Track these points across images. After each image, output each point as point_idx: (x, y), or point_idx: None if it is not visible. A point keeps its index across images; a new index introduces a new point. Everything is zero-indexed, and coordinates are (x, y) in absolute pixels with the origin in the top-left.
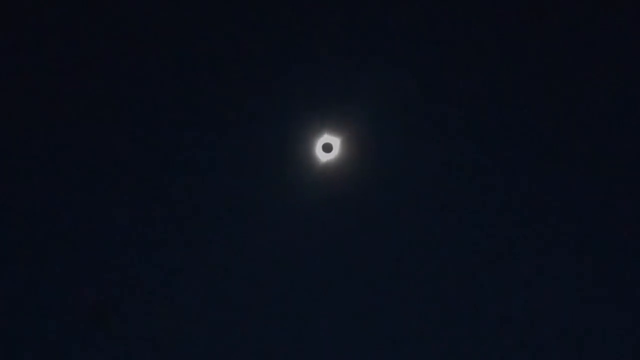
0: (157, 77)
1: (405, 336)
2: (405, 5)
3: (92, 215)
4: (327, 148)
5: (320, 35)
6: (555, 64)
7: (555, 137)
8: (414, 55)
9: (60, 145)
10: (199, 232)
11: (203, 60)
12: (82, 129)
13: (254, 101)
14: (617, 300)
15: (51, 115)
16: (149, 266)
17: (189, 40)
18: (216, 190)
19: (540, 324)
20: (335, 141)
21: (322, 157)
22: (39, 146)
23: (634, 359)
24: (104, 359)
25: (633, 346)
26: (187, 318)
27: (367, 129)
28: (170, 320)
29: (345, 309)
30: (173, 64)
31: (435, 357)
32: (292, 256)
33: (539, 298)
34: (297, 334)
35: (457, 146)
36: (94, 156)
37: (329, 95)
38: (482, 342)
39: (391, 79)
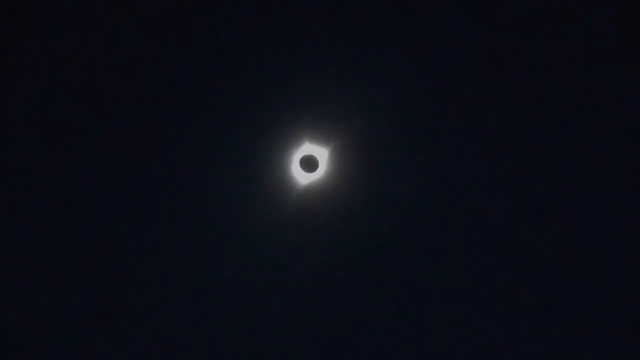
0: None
1: None
2: (402, 10)
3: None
4: (310, 164)
5: (306, 37)
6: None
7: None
8: (409, 60)
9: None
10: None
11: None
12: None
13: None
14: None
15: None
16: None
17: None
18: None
19: None
20: (321, 155)
21: (302, 176)
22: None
23: None
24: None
25: None
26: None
27: (360, 139)
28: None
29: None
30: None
31: None
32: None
33: None
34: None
35: (460, 161)
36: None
37: (312, 101)
38: None
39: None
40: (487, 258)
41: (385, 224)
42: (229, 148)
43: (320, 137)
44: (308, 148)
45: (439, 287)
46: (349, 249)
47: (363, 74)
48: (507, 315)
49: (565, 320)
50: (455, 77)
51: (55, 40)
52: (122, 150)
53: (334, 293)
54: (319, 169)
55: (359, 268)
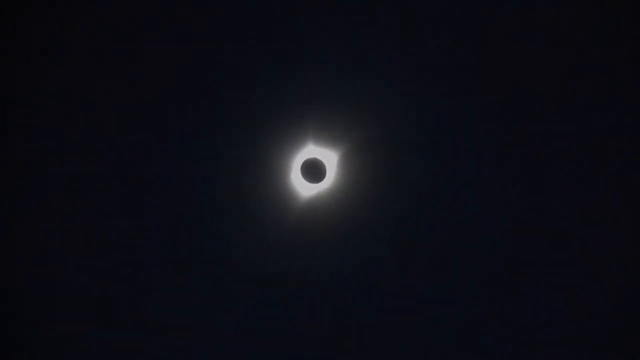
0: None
1: None
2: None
3: None
4: (314, 172)
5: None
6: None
7: None
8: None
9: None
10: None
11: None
12: None
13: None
14: None
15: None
16: None
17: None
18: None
19: None
20: (328, 160)
21: (304, 187)
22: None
23: None
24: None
25: None
26: None
27: (376, 140)
28: None
29: None
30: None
31: None
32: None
33: None
34: None
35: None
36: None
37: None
38: None
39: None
40: (504, 269)
41: (404, 243)
42: (215, 150)
43: (327, 138)
44: (312, 151)
45: (457, 307)
46: (362, 279)
47: (376, 63)
48: (515, 320)
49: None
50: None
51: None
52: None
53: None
54: (325, 177)
55: (372, 300)
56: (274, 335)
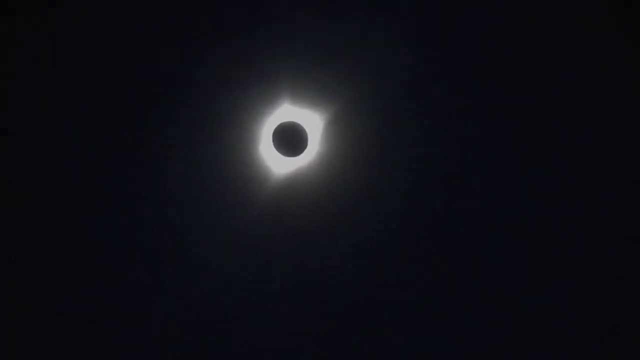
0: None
1: None
2: None
3: None
4: (292, 141)
5: None
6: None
7: None
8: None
9: None
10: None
11: None
12: None
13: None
14: None
15: None
16: None
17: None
18: None
19: None
20: (308, 127)
21: (280, 161)
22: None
23: None
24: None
25: None
26: None
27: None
28: None
29: None
30: None
31: None
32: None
33: None
34: None
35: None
36: None
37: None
38: None
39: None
40: (508, 253)
41: (406, 235)
42: (157, 111)
43: (308, 95)
44: (288, 113)
45: (452, 297)
46: (355, 286)
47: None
48: (518, 317)
49: None
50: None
51: None
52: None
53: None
54: (306, 148)
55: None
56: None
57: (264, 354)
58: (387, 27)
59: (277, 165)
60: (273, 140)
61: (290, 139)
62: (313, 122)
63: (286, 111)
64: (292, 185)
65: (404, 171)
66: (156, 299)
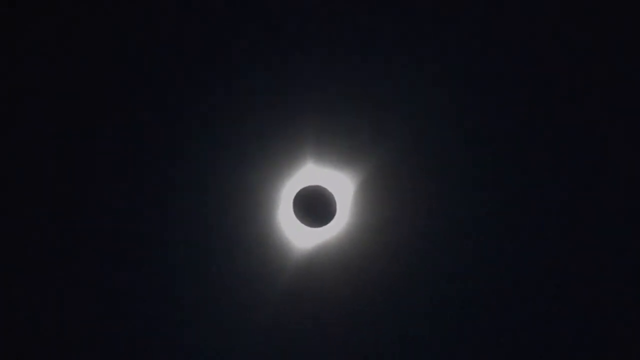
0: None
1: None
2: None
3: None
4: (318, 210)
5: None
6: None
7: None
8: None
9: None
10: None
11: None
12: None
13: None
14: None
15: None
16: None
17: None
18: None
19: None
20: (338, 193)
21: (302, 233)
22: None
23: None
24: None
25: None
26: None
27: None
28: None
29: None
30: None
31: None
32: None
33: None
34: None
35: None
36: None
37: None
38: None
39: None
40: None
41: (455, 319)
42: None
43: (334, 157)
44: (312, 175)
45: None
46: None
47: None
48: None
49: None
50: None
51: None
52: None
53: None
54: (334, 217)
55: None
56: None
57: None
58: (431, 75)
59: (298, 237)
60: (294, 207)
61: (314, 207)
62: (342, 186)
63: (310, 172)
64: (315, 263)
65: (452, 248)
66: None
